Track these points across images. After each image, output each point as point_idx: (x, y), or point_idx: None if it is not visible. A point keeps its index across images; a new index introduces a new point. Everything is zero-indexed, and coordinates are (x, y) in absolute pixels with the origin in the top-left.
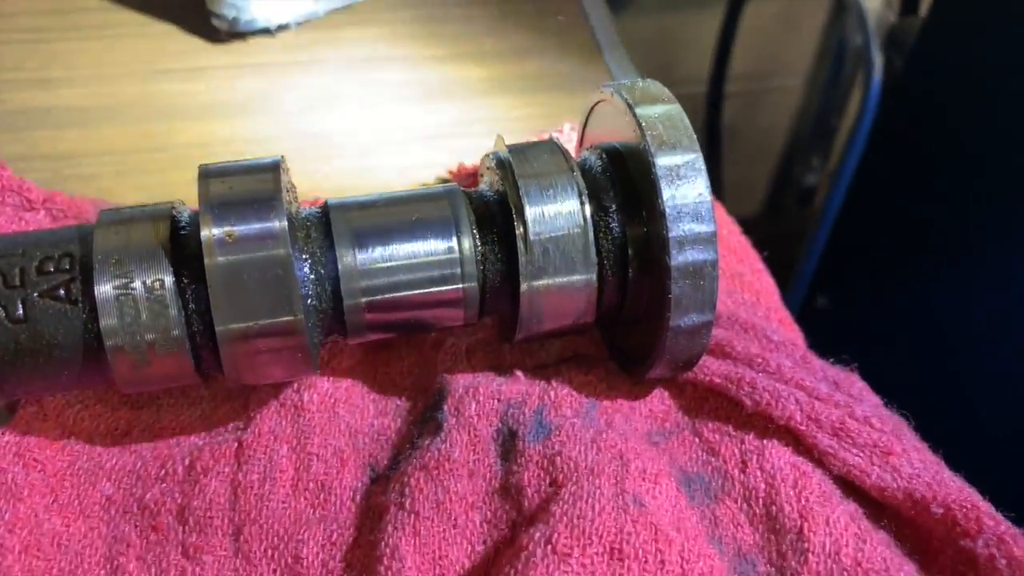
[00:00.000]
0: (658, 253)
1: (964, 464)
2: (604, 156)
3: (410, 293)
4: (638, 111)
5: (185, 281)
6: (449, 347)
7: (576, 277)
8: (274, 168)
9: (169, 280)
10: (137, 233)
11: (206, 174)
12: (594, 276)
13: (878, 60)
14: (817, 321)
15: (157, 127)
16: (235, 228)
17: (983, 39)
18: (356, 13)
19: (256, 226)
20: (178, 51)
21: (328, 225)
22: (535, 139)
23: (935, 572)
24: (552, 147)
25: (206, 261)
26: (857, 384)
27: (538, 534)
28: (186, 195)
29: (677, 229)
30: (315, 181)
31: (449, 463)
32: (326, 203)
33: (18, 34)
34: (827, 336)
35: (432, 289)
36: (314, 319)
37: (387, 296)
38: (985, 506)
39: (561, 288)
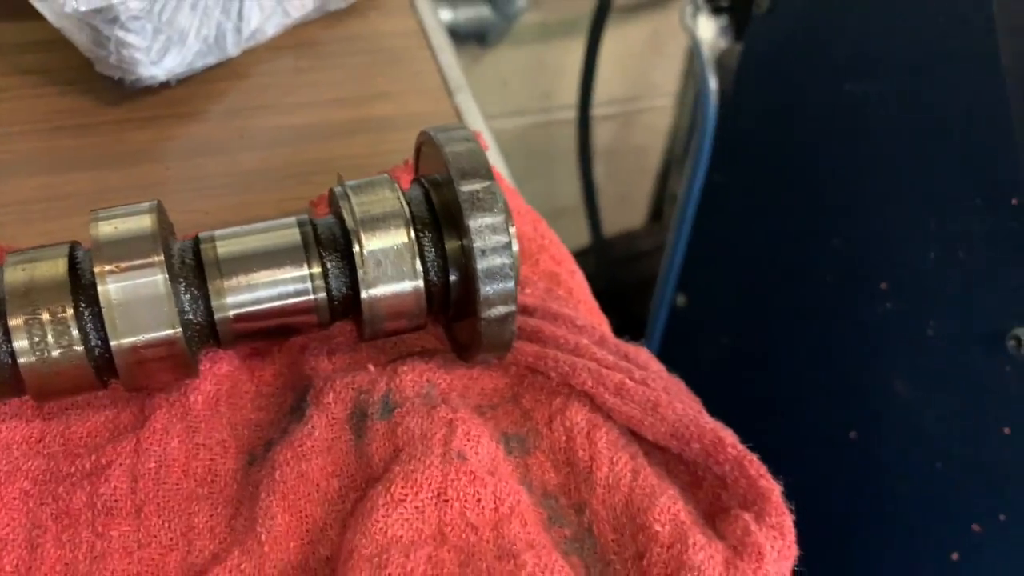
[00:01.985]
0: (468, 263)
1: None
2: (426, 186)
3: (269, 306)
4: (446, 150)
5: (83, 306)
6: (313, 350)
7: (406, 285)
8: (152, 210)
9: (69, 306)
10: (41, 270)
11: (96, 218)
12: (421, 284)
13: (713, 85)
14: (679, 317)
15: (55, 179)
16: (121, 262)
17: (793, 64)
18: (230, 67)
19: (138, 260)
20: (71, 109)
21: (198, 254)
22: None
23: (700, 495)
24: (384, 181)
25: (99, 288)
26: (643, 355)
27: (380, 486)
28: (84, 238)
29: (480, 241)
30: (198, 219)
31: (311, 441)
32: (196, 236)
33: None
34: (686, 330)
35: (288, 301)
36: (192, 332)
37: (250, 309)
38: (730, 438)
39: (395, 295)
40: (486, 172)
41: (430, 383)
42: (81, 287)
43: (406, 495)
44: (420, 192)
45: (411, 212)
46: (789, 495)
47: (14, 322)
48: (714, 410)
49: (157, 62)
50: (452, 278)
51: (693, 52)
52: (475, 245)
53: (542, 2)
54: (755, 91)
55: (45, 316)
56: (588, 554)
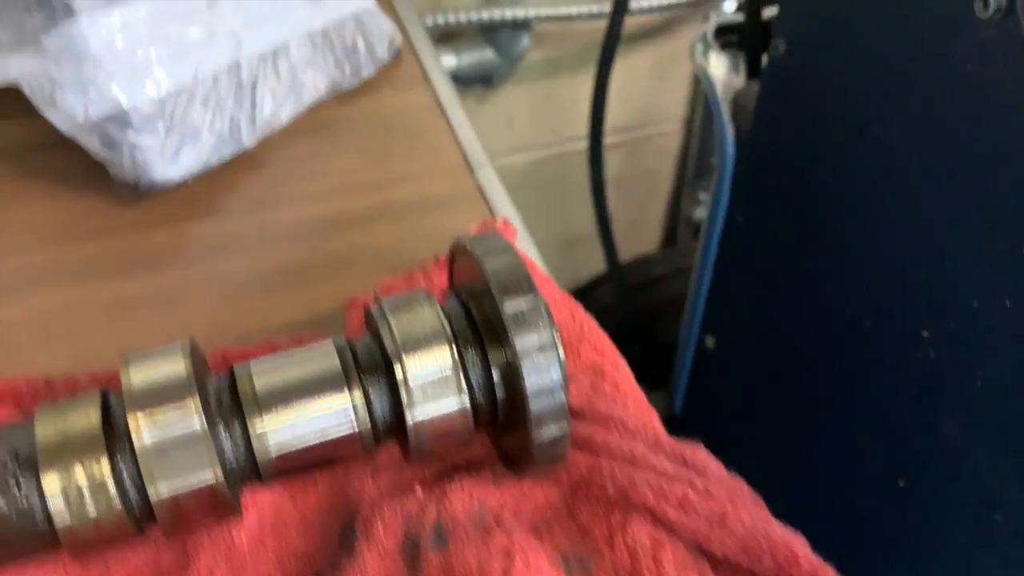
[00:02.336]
0: (515, 381)
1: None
2: (465, 299)
3: (312, 440)
4: (486, 266)
5: (119, 457)
6: (356, 471)
7: (452, 405)
8: (184, 350)
9: (105, 459)
10: (73, 424)
11: (127, 364)
12: (467, 403)
13: (729, 129)
14: (708, 359)
15: (74, 291)
16: (156, 409)
17: (814, 104)
18: (246, 158)
19: (173, 407)
20: (85, 213)
21: (235, 391)
22: (415, 267)
23: None
24: (422, 297)
25: (133, 438)
26: (701, 456)
27: None
28: (111, 356)
29: (527, 361)
30: (224, 325)
31: None
32: (231, 370)
33: None
34: (715, 376)
35: (330, 434)
36: (233, 473)
37: (293, 447)
38: (803, 549)
39: (441, 417)
40: (529, 286)
41: (481, 503)
42: (115, 437)
43: None
44: (459, 306)
45: (452, 329)
46: (832, 545)
47: (48, 481)
48: (750, 454)
49: (172, 162)
50: (498, 394)
51: (706, 91)
52: (523, 365)
53: (544, 40)
54: (776, 132)
55: (79, 472)
56: None
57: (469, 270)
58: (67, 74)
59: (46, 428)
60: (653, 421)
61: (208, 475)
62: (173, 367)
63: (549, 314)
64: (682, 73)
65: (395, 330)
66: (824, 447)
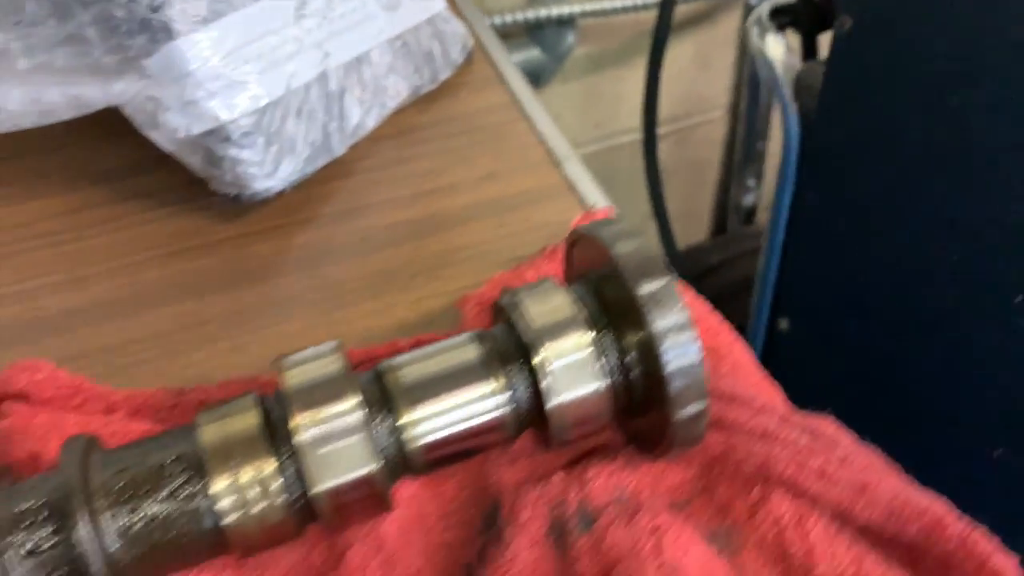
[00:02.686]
0: (653, 363)
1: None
2: (592, 285)
3: (460, 430)
4: (616, 250)
5: (282, 458)
6: (493, 460)
7: (591, 390)
8: (337, 350)
9: (271, 461)
10: (234, 426)
11: (282, 367)
12: (606, 387)
13: (792, 109)
14: (784, 344)
15: (190, 305)
16: (317, 409)
17: (885, 79)
18: (337, 166)
19: (334, 406)
20: (188, 230)
21: (384, 388)
22: (516, 263)
23: (922, 575)
24: (551, 285)
25: (296, 439)
26: (830, 427)
27: None
28: (233, 365)
29: (666, 342)
30: (340, 329)
31: (517, 565)
32: (376, 368)
33: (38, 240)
34: (790, 358)
35: (478, 424)
36: (387, 467)
37: (441, 437)
38: (950, 515)
39: (580, 401)
40: (661, 268)
41: (620, 487)
42: (276, 437)
43: None
44: (588, 291)
45: (587, 318)
46: None
47: (217, 484)
48: None
49: (272, 174)
50: (633, 377)
51: (764, 74)
52: (662, 347)
53: (588, 36)
54: (846, 108)
55: (246, 475)
56: None
57: (589, 257)
58: (168, 94)
59: (210, 433)
60: (777, 397)
61: (369, 469)
62: (329, 366)
63: (682, 295)
64: (726, 61)
65: (531, 317)
66: (914, 421)
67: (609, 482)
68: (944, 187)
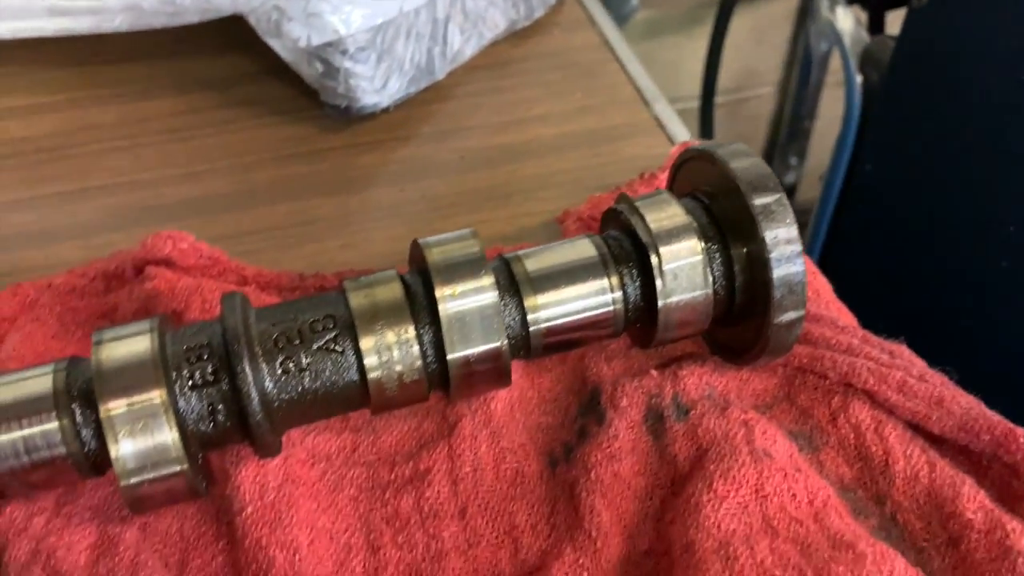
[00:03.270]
0: (760, 271)
1: None
2: (701, 200)
3: (576, 321)
4: (732, 164)
5: (423, 325)
6: (592, 356)
7: (698, 295)
8: (473, 235)
9: (411, 327)
10: (381, 295)
11: (425, 245)
12: (711, 293)
13: (857, 78)
14: None
15: (299, 204)
16: (457, 284)
17: (959, 53)
18: (437, 90)
19: (472, 282)
20: (298, 138)
21: (511, 274)
22: (611, 189)
23: (987, 483)
24: (666, 197)
25: (440, 308)
26: (906, 351)
27: (699, 484)
28: (342, 261)
29: (776, 251)
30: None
31: (617, 443)
32: (503, 256)
33: (158, 136)
34: None
35: (591, 314)
36: (511, 344)
37: (561, 322)
38: (1019, 429)
39: (688, 304)
40: (775, 185)
41: (710, 386)
42: (417, 308)
43: (728, 492)
44: (699, 205)
45: (699, 227)
46: None
47: (365, 342)
48: None
49: (380, 89)
50: (738, 285)
51: (829, 47)
52: (771, 255)
53: (652, 1)
54: (913, 82)
55: (390, 336)
56: (897, 541)
57: (696, 176)
58: (293, 5)
59: (358, 298)
60: (855, 323)
61: (500, 343)
62: (467, 248)
63: (792, 211)
64: (780, 37)
65: (649, 223)
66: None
67: (701, 381)
68: (1009, 161)
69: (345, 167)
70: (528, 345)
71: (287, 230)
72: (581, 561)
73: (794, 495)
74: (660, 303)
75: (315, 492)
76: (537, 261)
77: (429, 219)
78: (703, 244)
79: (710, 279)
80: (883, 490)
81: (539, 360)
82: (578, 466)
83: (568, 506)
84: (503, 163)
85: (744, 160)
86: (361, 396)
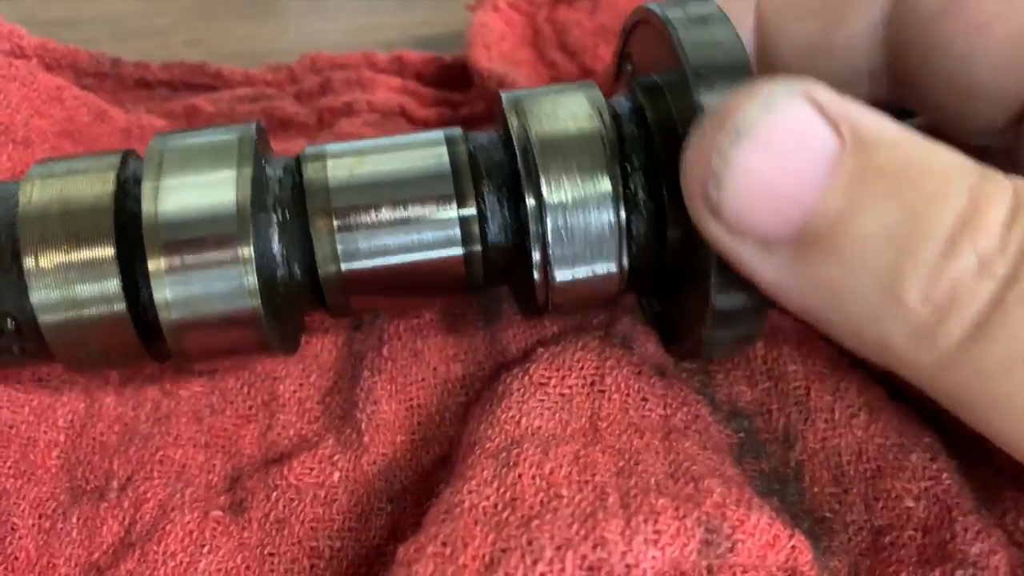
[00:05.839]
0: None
1: None
2: (638, 95)
3: (395, 261)
4: (680, 35)
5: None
6: None
7: (600, 266)
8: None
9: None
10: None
11: None
12: (625, 263)
13: None
14: None
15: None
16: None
17: None
18: None
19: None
20: None
21: (300, 177)
22: None
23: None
24: (581, 88)
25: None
26: None
27: (517, 370)
28: (183, 55)
29: None
30: (316, 41)
31: (430, 313)
32: (298, 157)
33: None
34: None
35: (423, 255)
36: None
37: (370, 264)
38: None
39: (583, 280)
40: (742, 70)
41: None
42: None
43: (549, 378)
44: (629, 106)
45: (616, 136)
46: None
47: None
48: None
49: None
50: (669, 238)
51: None
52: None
53: None
54: None
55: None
56: (792, 502)
57: (656, 53)
58: None
59: None
60: None
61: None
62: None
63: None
64: None
65: (531, 128)
66: None
67: None
68: None
69: None
70: (318, 292)
71: (127, 20)
72: (335, 458)
73: (645, 399)
74: (535, 254)
75: None
76: (349, 165)
77: (308, 20)
78: (616, 178)
79: (623, 226)
80: (793, 427)
81: None
82: (374, 335)
83: (351, 386)
84: None
85: (700, 31)
86: None
